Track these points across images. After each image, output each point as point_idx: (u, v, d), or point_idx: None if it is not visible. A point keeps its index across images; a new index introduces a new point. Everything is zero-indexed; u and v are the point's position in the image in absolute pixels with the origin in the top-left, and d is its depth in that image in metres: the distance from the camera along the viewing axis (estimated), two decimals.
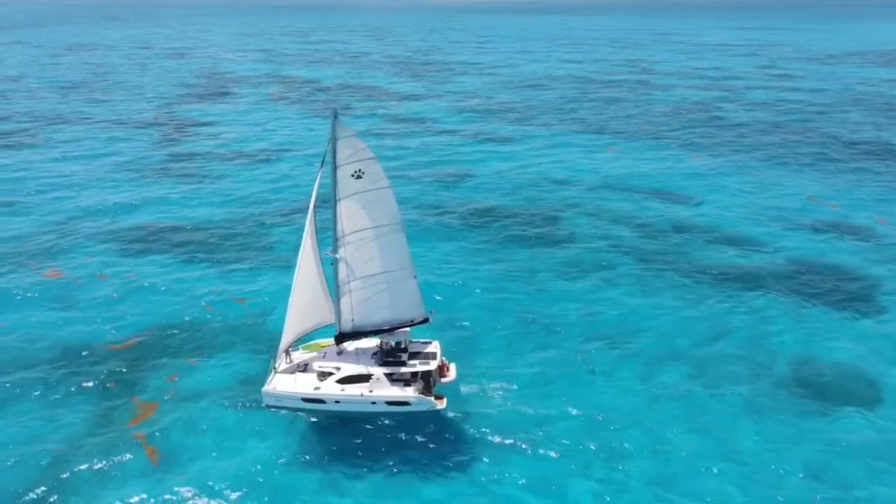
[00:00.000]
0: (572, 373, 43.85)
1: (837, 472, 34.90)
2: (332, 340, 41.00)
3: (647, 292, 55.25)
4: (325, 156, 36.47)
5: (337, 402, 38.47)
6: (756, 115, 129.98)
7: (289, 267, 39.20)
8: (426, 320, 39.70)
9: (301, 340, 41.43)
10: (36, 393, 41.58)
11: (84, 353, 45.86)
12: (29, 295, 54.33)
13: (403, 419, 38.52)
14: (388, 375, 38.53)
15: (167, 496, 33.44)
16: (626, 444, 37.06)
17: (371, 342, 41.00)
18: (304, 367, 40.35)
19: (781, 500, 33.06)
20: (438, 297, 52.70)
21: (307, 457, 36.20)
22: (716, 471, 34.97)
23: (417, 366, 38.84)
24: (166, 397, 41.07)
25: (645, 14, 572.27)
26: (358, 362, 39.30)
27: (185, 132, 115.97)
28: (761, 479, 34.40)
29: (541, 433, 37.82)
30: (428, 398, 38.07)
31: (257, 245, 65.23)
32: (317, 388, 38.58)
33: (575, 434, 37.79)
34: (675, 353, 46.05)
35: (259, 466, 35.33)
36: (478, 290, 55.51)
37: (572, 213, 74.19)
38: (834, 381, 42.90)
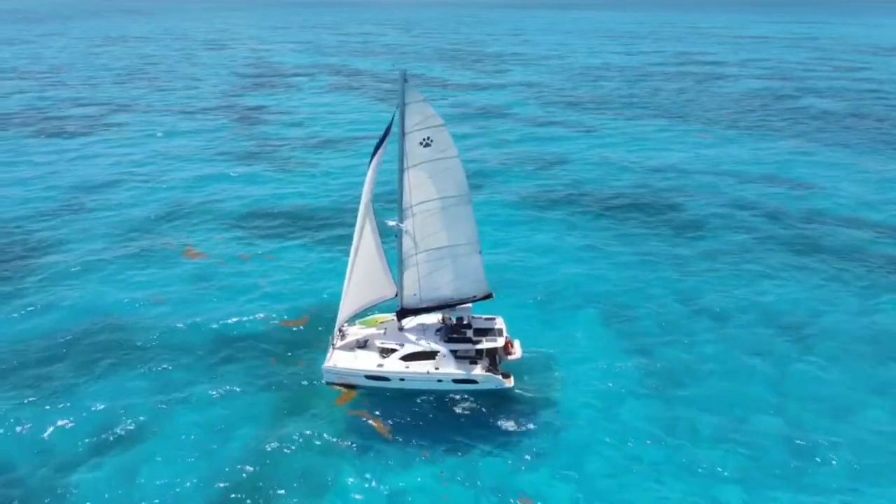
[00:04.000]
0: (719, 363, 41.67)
1: None
2: (388, 316, 39.64)
3: (800, 281, 53.07)
4: (391, 123, 34.66)
5: (402, 379, 37.09)
6: (833, 103, 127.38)
7: None
8: (489, 296, 38.32)
9: (357, 315, 39.97)
10: (228, 373, 40.25)
11: (260, 332, 44.61)
12: (178, 273, 53.08)
13: (469, 397, 37.11)
14: (454, 352, 37.16)
15: (399, 467, 32.42)
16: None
17: (432, 318, 39.64)
18: (364, 344, 38.91)
19: None
20: (566, 279, 51.79)
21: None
22: None
23: (484, 342, 37.26)
24: None
25: (663, 9, 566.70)
26: (422, 339, 37.87)
27: (260, 119, 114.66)
28: None
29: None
30: (496, 376, 36.73)
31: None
32: (380, 366, 37.24)
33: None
34: (858, 347, 43.56)
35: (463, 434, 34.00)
36: (607, 275, 53.84)
37: (692, 200, 72.25)
38: None
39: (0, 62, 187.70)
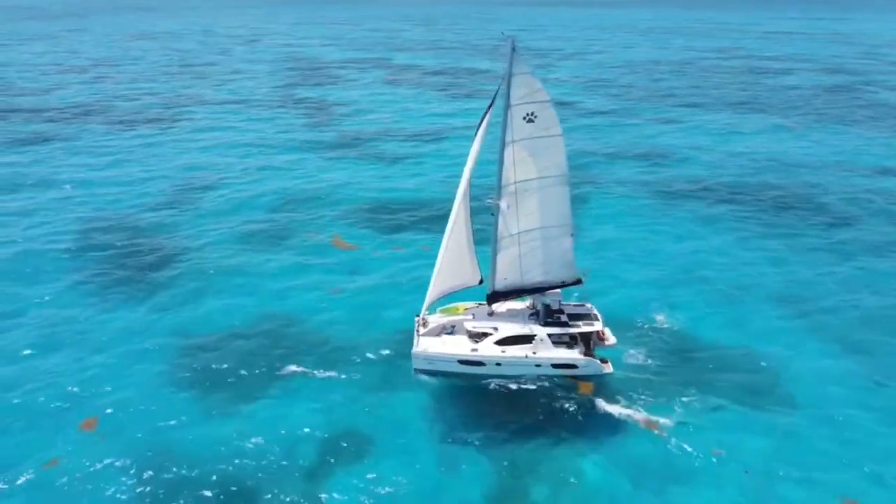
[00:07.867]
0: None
1: None
2: (469, 304, 39.07)
3: None
4: (496, 94, 32.98)
5: (498, 364, 36.03)
6: None
7: None
8: (579, 282, 37.77)
9: (438, 303, 38.93)
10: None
11: None
12: (337, 265, 51.41)
13: (565, 382, 36.03)
14: (550, 336, 36.15)
15: (693, 472, 30.65)
16: None
17: (521, 304, 38.75)
18: (451, 329, 37.85)
19: None
20: (735, 273, 50.82)
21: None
22: None
23: (582, 326, 36.38)
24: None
25: (669, 7, 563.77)
26: (517, 322, 36.75)
27: (328, 114, 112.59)
28: None
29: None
30: (595, 361, 35.89)
31: None
32: (474, 350, 36.11)
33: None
34: None
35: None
36: (779, 269, 52.36)
37: (821, 192, 70.72)
38: None
39: (38, 56, 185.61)
